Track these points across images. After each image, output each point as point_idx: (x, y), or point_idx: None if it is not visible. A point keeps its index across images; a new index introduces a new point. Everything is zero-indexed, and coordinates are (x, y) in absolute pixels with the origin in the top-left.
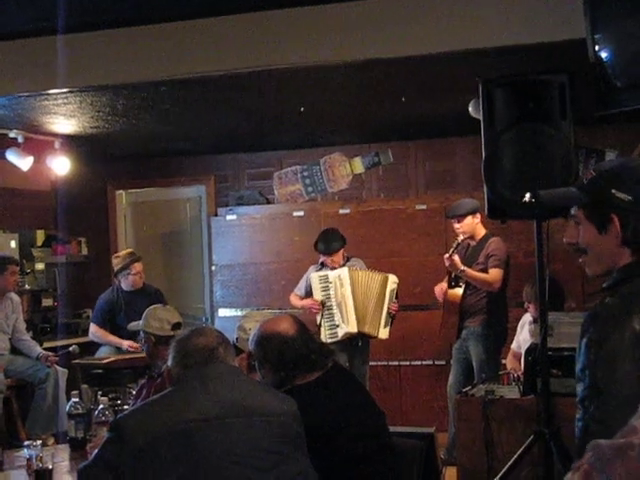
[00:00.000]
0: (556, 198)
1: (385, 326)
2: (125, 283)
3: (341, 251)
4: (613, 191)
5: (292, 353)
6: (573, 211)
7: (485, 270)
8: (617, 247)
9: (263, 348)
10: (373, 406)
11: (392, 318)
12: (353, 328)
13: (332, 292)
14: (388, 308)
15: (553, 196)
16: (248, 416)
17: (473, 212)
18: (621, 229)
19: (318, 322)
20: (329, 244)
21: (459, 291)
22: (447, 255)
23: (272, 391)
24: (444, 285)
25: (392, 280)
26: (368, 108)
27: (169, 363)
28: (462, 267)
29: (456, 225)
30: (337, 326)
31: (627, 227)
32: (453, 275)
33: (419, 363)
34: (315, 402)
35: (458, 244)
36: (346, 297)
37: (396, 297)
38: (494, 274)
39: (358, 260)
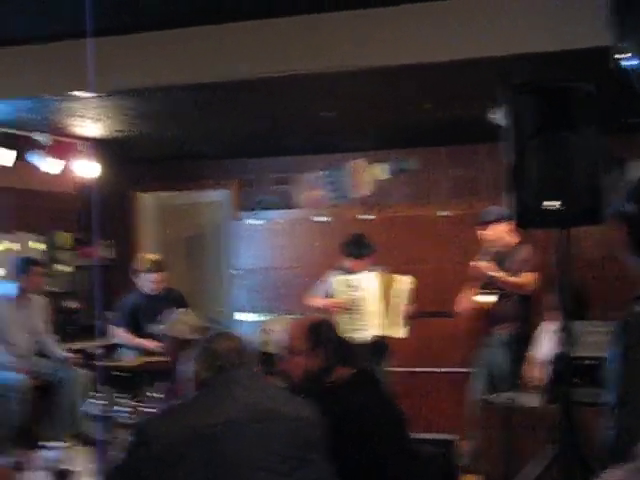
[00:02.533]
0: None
1: (404, 325)
2: (147, 286)
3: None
4: None
5: (340, 340)
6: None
7: (516, 277)
8: None
9: (317, 332)
10: (396, 410)
11: (410, 318)
12: (377, 331)
13: (355, 295)
14: (406, 308)
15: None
16: (270, 421)
17: (500, 219)
18: None
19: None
20: (361, 248)
21: (489, 298)
22: (473, 262)
23: (292, 397)
24: (468, 293)
25: (408, 281)
26: (392, 114)
27: (195, 367)
28: (491, 272)
29: (484, 232)
30: (360, 329)
31: None
32: (481, 283)
33: (442, 370)
34: (347, 403)
35: (487, 252)
36: (370, 301)
37: (411, 297)
38: (527, 277)
39: (379, 268)
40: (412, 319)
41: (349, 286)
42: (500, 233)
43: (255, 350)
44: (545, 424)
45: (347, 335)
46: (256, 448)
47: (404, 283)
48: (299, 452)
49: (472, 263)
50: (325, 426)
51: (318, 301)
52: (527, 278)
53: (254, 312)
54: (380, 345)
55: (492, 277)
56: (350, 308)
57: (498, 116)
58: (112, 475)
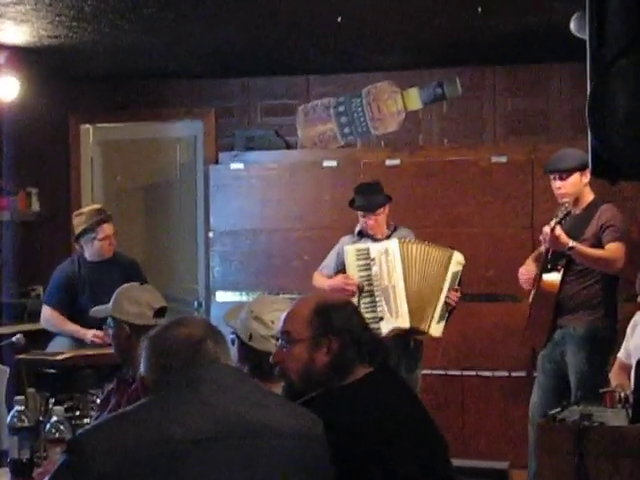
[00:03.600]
0: None
1: (439, 320)
2: (89, 251)
3: (386, 210)
4: None
5: (361, 329)
6: None
7: (597, 247)
8: None
9: (329, 316)
10: (433, 428)
11: (449, 311)
12: (404, 322)
13: (375, 272)
14: (447, 297)
15: None
16: (254, 437)
17: (582, 167)
18: None
19: None
20: (370, 198)
21: (557, 277)
22: (548, 227)
23: (289, 405)
24: (531, 268)
25: (456, 259)
26: (429, 20)
27: (141, 369)
28: (571, 242)
29: (557, 184)
30: (380, 319)
31: None
32: (550, 255)
33: (489, 374)
34: (359, 411)
35: (567, 212)
36: (395, 280)
37: (459, 283)
38: (615, 249)
39: (409, 232)
40: (452, 312)
41: (363, 258)
42: (577, 186)
43: (226, 340)
44: (633, 450)
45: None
46: (235, 474)
47: (454, 262)
48: (295, 478)
49: (546, 228)
50: (333, 445)
51: (324, 282)
52: (613, 251)
53: (236, 290)
54: (406, 341)
55: (573, 248)
56: (364, 289)
57: (577, 25)
58: None
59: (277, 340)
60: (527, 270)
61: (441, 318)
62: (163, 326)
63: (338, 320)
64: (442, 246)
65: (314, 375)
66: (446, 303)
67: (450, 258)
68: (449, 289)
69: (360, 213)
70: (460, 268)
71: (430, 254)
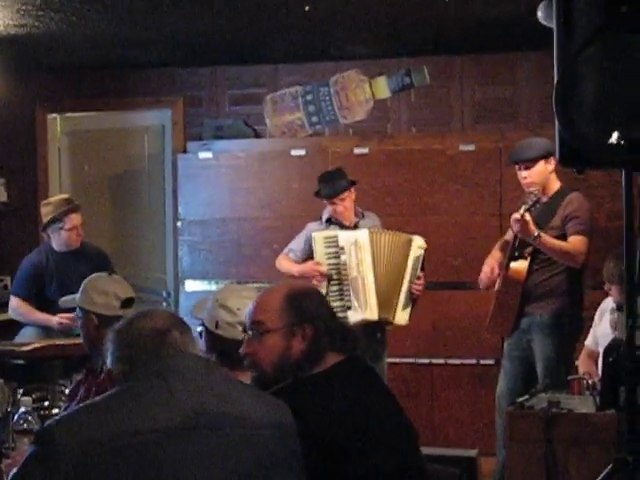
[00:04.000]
0: None
1: (404, 308)
2: (57, 241)
3: (352, 195)
4: None
5: (333, 316)
6: None
7: (562, 237)
8: None
9: (299, 302)
10: (403, 417)
11: (414, 299)
12: (372, 315)
13: (344, 261)
14: (410, 284)
15: None
16: (223, 428)
17: (546, 155)
18: None
19: None
20: (334, 184)
21: (524, 265)
22: (517, 215)
23: (260, 395)
24: (497, 256)
25: (417, 244)
26: (397, 8)
27: (107, 362)
28: (537, 232)
29: (523, 174)
30: (348, 308)
31: None
32: (517, 243)
33: (458, 362)
34: (327, 401)
35: (536, 200)
36: (364, 271)
37: (422, 268)
38: (577, 243)
39: (375, 217)
40: (416, 299)
41: (331, 246)
42: (543, 174)
43: (191, 330)
44: (600, 436)
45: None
46: (204, 466)
47: (415, 247)
48: (266, 472)
49: (515, 214)
50: (305, 436)
51: (291, 266)
52: (576, 244)
53: (205, 279)
54: (374, 331)
55: (538, 238)
56: (334, 278)
57: (544, 13)
58: None
59: (245, 331)
60: (491, 263)
61: (405, 306)
62: (128, 319)
63: (310, 307)
64: (403, 233)
65: (288, 364)
66: (410, 292)
67: (410, 243)
68: (412, 276)
69: (327, 201)
70: (422, 252)
71: (394, 242)
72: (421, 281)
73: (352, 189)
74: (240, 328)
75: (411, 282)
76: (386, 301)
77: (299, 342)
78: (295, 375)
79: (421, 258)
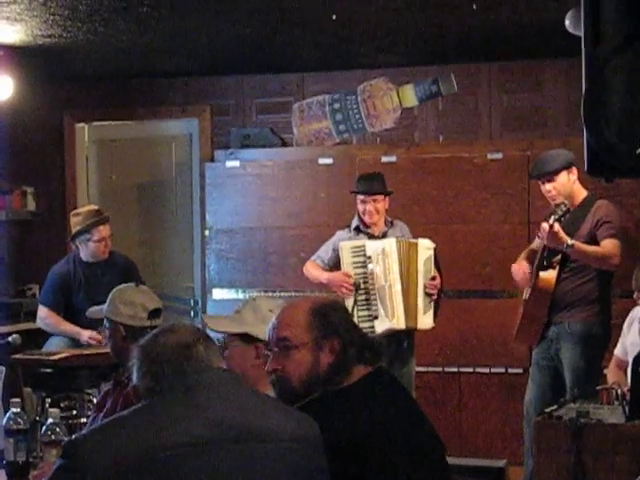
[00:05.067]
0: None
1: (425, 311)
2: (85, 252)
3: (386, 204)
4: None
5: (357, 328)
6: None
7: (591, 244)
8: None
9: (325, 316)
10: (430, 430)
11: (432, 300)
12: (400, 323)
13: (371, 270)
14: (425, 288)
15: None
16: (250, 441)
17: (568, 166)
18: None
19: (350, 310)
20: (372, 184)
21: (553, 274)
22: (547, 224)
23: (287, 409)
24: (524, 264)
25: (424, 245)
26: (424, 16)
27: (133, 377)
28: (570, 241)
29: (546, 187)
30: (375, 317)
31: None
32: (545, 252)
33: (486, 371)
34: (356, 414)
35: (566, 210)
36: (392, 280)
37: (438, 268)
38: (611, 246)
39: (404, 226)
40: (438, 300)
41: (358, 255)
42: (566, 186)
43: (216, 344)
44: (630, 447)
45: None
46: (232, 478)
47: (422, 249)
48: None
49: (544, 224)
50: (332, 449)
51: (319, 274)
52: (610, 248)
53: (233, 287)
54: (401, 340)
55: (572, 246)
56: (361, 287)
57: (572, 21)
58: None
59: (269, 349)
60: (520, 267)
61: (426, 309)
62: (152, 334)
63: (336, 320)
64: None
65: (317, 378)
66: (427, 294)
67: (417, 247)
68: (425, 278)
69: (360, 199)
70: (431, 253)
71: (411, 249)
72: (436, 281)
73: (386, 198)
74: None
75: (426, 286)
76: (410, 309)
77: (327, 356)
78: (323, 389)
79: (432, 258)
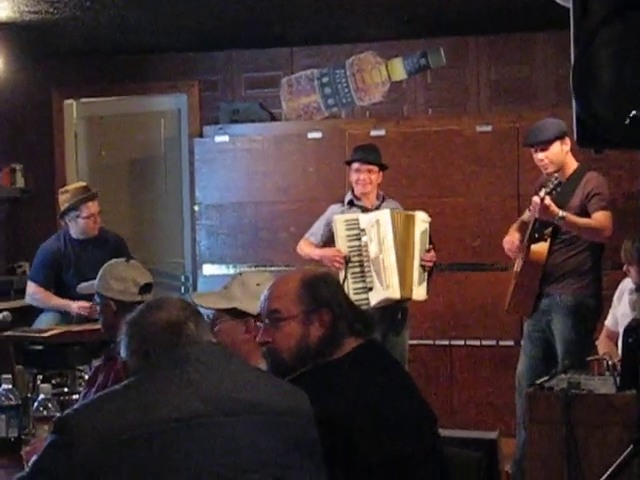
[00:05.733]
0: None
1: (420, 283)
2: (74, 229)
3: (379, 176)
4: None
5: (348, 301)
6: None
7: (583, 216)
8: None
9: (315, 288)
10: (421, 401)
11: (429, 272)
12: (395, 293)
13: (365, 242)
14: (422, 259)
15: None
16: (242, 414)
17: (562, 136)
18: None
19: (341, 283)
20: (368, 153)
21: (544, 246)
22: (537, 198)
23: (278, 382)
24: (516, 236)
25: (420, 218)
26: None
27: (122, 353)
28: (562, 213)
29: (539, 156)
30: (370, 289)
31: None
32: (536, 225)
33: (477, 343)
34: (346, 387)
35: (558, 183)
36: (386, 251)
37: (430, 242)
38: (603, 218)
39: (396, 204)
40: (431, 272)
41: (352, 228)
42: (559, 155)
43: (205, 320)
44: (621, 417)
45: (353, 298)
46: (224, 452)
47: (419, 221)
48: (285, 458)
49: (536, 198)
50: (323, 421)
51: (312, 251)
52: (601, 219)
53: (223, 263)
54: (396, 311)
55: (564, 218)
56: (351, 260)
57: None
58: None
59: (261, 320)
60: (511, 239)
61: (421, 281)
62: (140, 310)
63: (326, 292)
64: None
65: (307, 351)
66: (422, 266)
67: (414, 219)
68: (421, 251)
69: (354, 167)
70: (427, 226)
71: (403, 220)
72: (431, 253)
73: (380, 172)
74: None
75: (422, 258)
76: (405, 278)
77: (317, 328)
78: (314, 361)
79: (427, 232)
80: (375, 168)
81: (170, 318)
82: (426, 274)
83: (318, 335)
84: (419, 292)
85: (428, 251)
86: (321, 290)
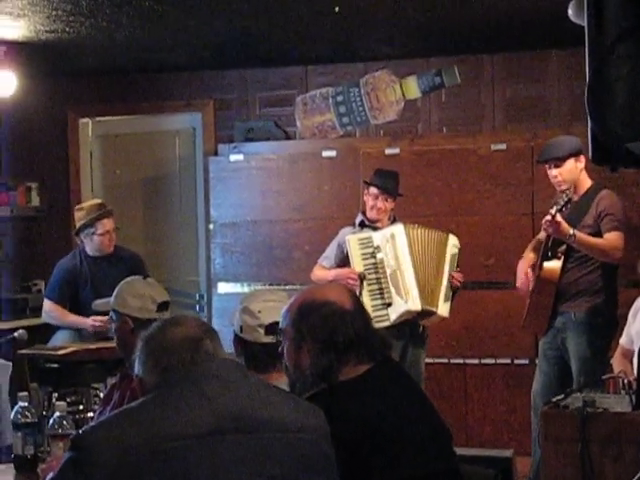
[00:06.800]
0: None
1: (445, 301)
2: (90, 246)
3: (393, 204)
4: None
5: (348, 331)
6: None
7: (595, 235)
8: None
9: (307, 318)
10: (437, 419)
11: (453, 292)
12: (415, 305)
13: (380, 259)
14: (450, 277)
15: None
16: (258, 431)
17: (576, 153)
18: None
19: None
20: (388, 181)
21: (558, 265)
22: (549, 216)
23: (294, 399)
24: (530, 257)
25: (452, 242)
26: (426, 8)
27: (138, 371)
28: (572, 231)
29: (553, 172)
30: (388, 305)
31: None
32: (550, 243)
33: (492, 362)
34: (362, 406)
35: (568, 200)
36: (403, 264)
37: (457, 265)
38: (614, 239)
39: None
40: (455, 292)
41: (366, 246)
42: (573, 172)
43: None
44: (637, 436)
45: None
46: (240, 470)
47: (450, 244)
48: (301, 475)
49: (548, 217)
50: (337, 440)
51: (325, 274)
52: (612, 240)
53: (238, 281)
54: (415, 325)
55: (574, 237)
56: (372, 277)
57: (575, 11)
58: None
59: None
60: (526, 264)
61: (447, 298)
62: (157, 327)
63: (317, 322)
64: (437, 230)
65: (303, 374)
66: (451, 283)
67: (447, 240)
68: (450, 270)
69: (373, 192)
70: (457, 251)
71: (430, 236)
72: (461, 275)
73: (395, 200)
74: (262, 331)
75: (452, 276)
76: (427, 292)
77: (305, 356)
78: (318, 384)
79: (457, 256)
80: (390, 196)
81: (189, 334)
82: (452, 293)
83: (307, 363)
84: (444, 308)
85: (457, 272)
86: (312, 320)
